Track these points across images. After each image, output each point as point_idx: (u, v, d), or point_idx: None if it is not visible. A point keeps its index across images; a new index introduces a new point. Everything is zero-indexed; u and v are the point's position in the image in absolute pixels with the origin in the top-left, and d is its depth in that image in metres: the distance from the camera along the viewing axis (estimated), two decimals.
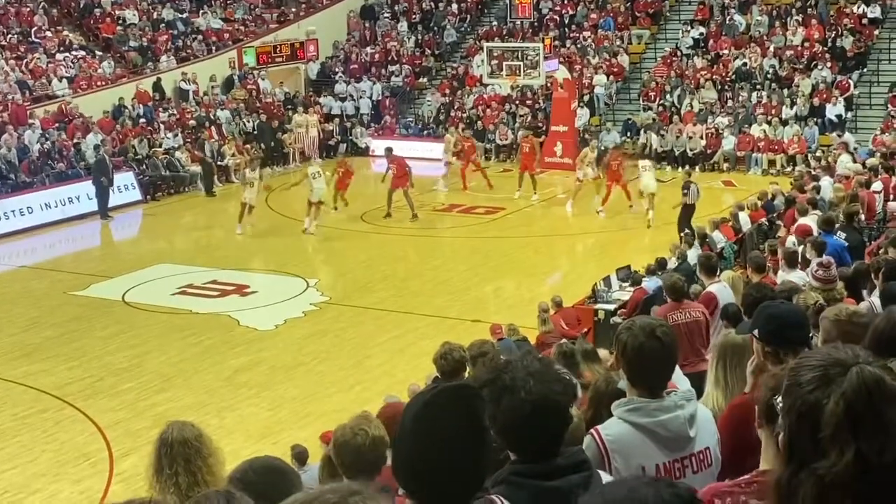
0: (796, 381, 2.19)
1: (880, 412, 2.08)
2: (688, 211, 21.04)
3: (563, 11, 36.35)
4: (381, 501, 1.81)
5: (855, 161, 22.41)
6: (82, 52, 32.44)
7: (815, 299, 6.74)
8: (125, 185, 27.61)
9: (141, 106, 30.98)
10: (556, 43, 34.39)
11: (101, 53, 32.88)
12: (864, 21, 31.69)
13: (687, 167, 28.27)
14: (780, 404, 2.28)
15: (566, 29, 35.76)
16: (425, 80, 36.56)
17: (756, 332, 4.18)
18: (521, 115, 32.69)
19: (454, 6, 38.44)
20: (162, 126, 30.56)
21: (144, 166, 28.62)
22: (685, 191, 21.31)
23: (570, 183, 26.58)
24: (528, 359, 2.94)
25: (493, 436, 2.76)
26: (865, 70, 30.78)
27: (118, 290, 19.80)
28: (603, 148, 28.57)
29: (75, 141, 28.55)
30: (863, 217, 14.37)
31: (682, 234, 18.40)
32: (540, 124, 31.66)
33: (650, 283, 14.69)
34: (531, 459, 2.89)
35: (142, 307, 18.85)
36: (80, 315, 18.52)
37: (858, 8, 31.96)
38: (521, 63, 29.30)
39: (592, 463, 3.14)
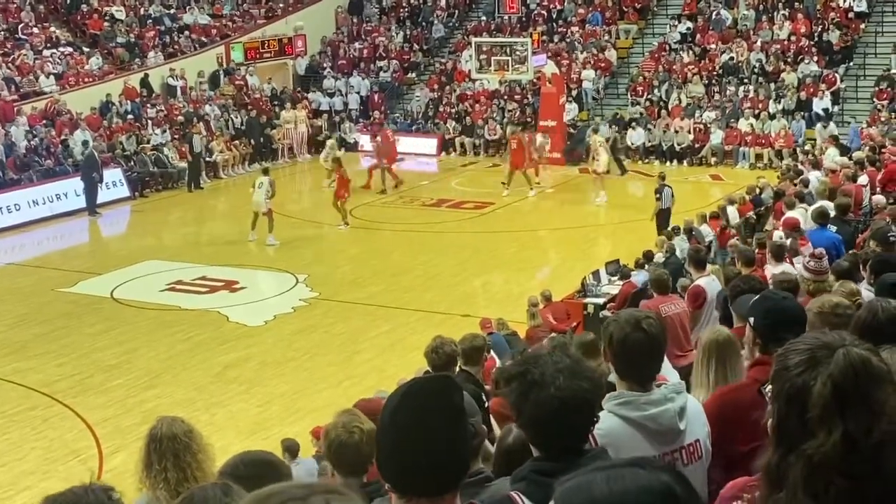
0: (784, 366, 2.22)
1: (867, 392, 2.12)
2: (663, 216, 20.56)
3: (551, 6, 36.37)
4: (354, 501, 1.81)
5: (842, 154, 22.50)
6: (69, 49, 32.33)
7: (831, 286, 6.77)
8: (113, 182, 27.54)
9: (129, 102, 30.90)
10: (544, 38, 34.40)
11: (88, 50, 32.78)
12: (851, 15, 31.78)
13: (669, 165, 28.33)
14: (769, 391, 2.31)
15: (554, 24, 35.78)
16: (414, 75, 36.55)
17: (752, 320, 4.22)
18: (509, 111, 32.71)
19: (442, 1, 38.42)
20: (150, 122, 30.48)
21: (133, 163, 28.56)
22: (658, 195, 20.89)
23: (557, 177, 26.63)
24: (558, 354, 2.91)
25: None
26: (852, 64, 30.88)
27: (107, 286, 19.76)
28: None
29: (63, 137, 28.46)
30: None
31: (661, 235, 18.25)
32: (528, 119, 31.68)
33: (639, 277, 14.72)
34: (554, 456, 2.86)
35: (130, 304, 18.82)
36: (69, 312, 18.48)
37: (845, 2, 32.03)
38: (510, 58, 29.33)
39: None
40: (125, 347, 16.48)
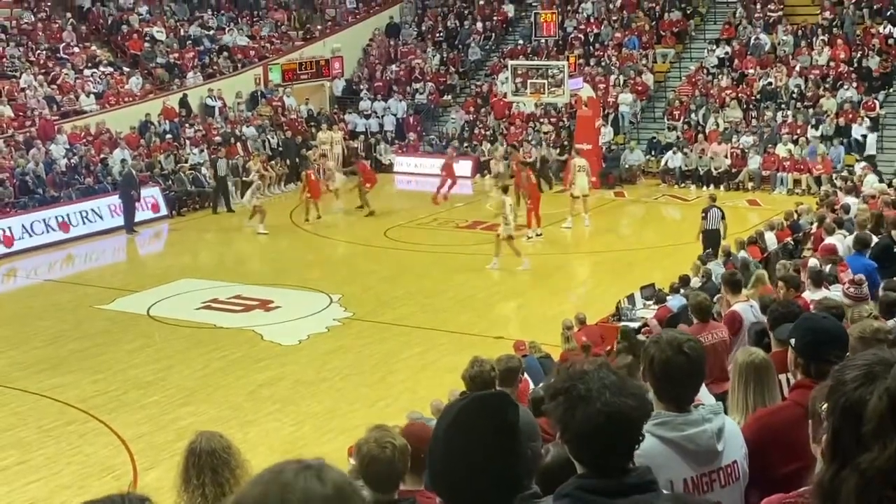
0: (840, 380, 2.21)
1: None
2: (708, 236, 20.37)
3: (588, 30, 36.40)
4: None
5: (881, 181, 22.32)
6: (110, 69, 32.74)
7: (870, 312, 6.73)
8: (151, 200, 27.80)
9: (167, 122, 31.22)
10: (581, 61, 34.41)
11: (128, 69, 33.17)
12: (891, 41, 31.56)
13: (711, 190, 28.17)
14: (824, 407, 2.29)
15: (591, 47, 35.80)
16: (449, 97, 36.67)
17: (793, 341, 4.20)
18: (545, 133, 32.71)
19: (479, 24, 38.57)
20: (188, 142, 30.77)
21: (170, 181, 28.83)
22: (704, 215, 20.85)
23: (592, 200, 26.54)
24: (604, 371, 2.90)
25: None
26: (892, 90, 30.64)
27: (143, 304, 19.91)
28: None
29: (102, 156, 28.78)
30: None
31: (699, 257, 18.21)
32: (564, 143, 31.66)
33: (674, 302, 14.65)
34: (598, 474, 2.85)
35: (166, 321, 18.95)
36: (106, 329, 18.64)
37: (885, 28, 31.85)
38: (546, 81, 29.34)
39: None
40: (160, 365, 16.58)
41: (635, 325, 15.32)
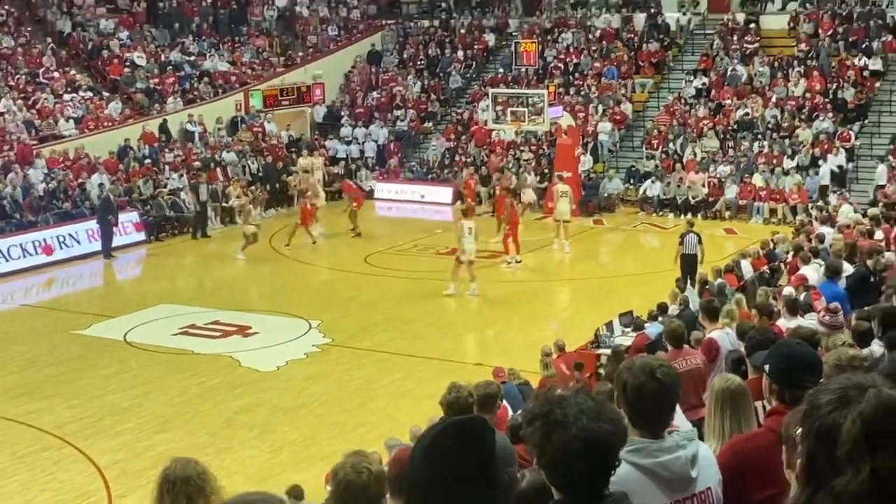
0: (815, 404, 2.24)
1: None
2: (685, 261, 20.72)
3: (568, 60, 36.64)
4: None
5: (856, 211, 22.51)
6: (90, 93, 32.68)
7: (844, 341, 6.78)
8: (129, 225, 27.71)
9: (147, 147, 31.18)
10: (561, 90, 34.60)
11: (108, 94, 33.13)
12: (866, 73, 31.91)
13: (689, 216, 28.34)
14: (799, 432, 2.32)
15: (570, 77, 36.02)
16: (430, 124, 36.79)
17: (767, 367, 4.23)
18: (525, 160, 32.87)
19: (460, 53, 38.78)
20: (167, 167, 30.73)
21: (149, 206, 28.76)
22: (680, 240, 21.13)
23: (572, 228, 26.65)
24: (582, 396, 2.92)
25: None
26: (867, 122, 30.94)
27: (120, 329, 19.82)
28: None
29: (80, 181, 28.70)
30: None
31: (677, 282, 18.45)
32: (545, 170, 31.83)
33: (652, 329, 14.69)
34: (575, 499, 2.86)
35: (143, 347, 18.86)
36: (82, 354, 18.52)
37: (860, 60, 32.20)
38: (526, 109, 29.50)
39: None
40: (137, 391, 16.48)
41: (626, 344, 15.35)
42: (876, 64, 31.96)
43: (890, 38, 32.49)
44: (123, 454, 13.92)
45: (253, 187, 31.46)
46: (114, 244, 26.57)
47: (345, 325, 19.96)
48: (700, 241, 20.93)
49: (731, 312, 11.83)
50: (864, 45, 32.62)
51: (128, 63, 34.32)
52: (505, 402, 10.81)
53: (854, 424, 2.15)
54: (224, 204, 29.88)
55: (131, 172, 29.91)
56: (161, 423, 15.12)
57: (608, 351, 15.36)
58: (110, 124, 31.71)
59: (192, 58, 35.99)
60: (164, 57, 35.41)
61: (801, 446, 2.28)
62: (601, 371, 14.13)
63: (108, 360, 18.11)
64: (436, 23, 40.83)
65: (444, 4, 42.07)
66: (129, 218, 27.71)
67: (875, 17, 33.32)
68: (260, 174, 32.43)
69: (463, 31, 39.83)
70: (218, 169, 31.40)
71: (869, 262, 12.63)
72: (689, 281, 18.87)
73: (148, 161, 30.57)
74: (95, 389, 16.58)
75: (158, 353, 18.51)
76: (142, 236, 27.98)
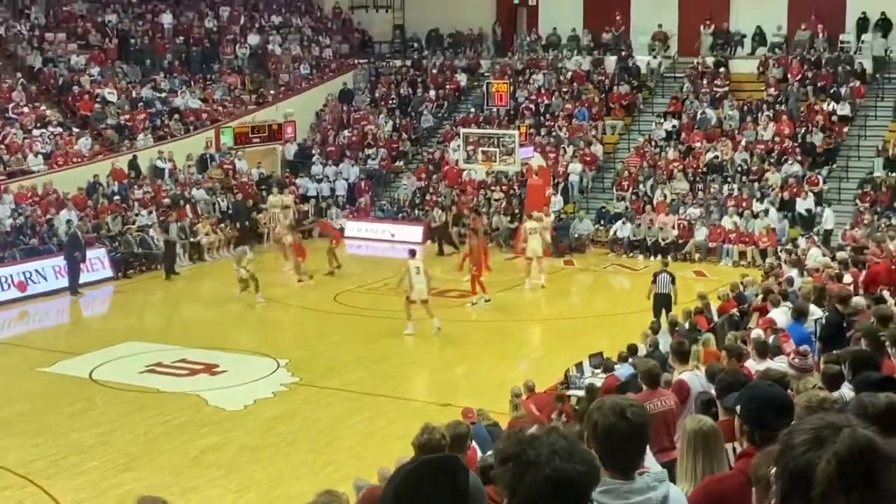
0: (789, 444, 2.22)
1: (871, 472, 2.13)
2: (658, 300, 20.95)
3: (539, 101, 36.88)
4: None
5: (824, 255, 22.68)
6: (59, 129, 32.52)
7: (814, 384, 6.79)
8: (97, 262, 27.49)
9: (116, 183, 31.03)
10: (532, 131, 34.82)
11: (77, 130, 32.97)
12: (834, 118, 32.30)
13: (660, 256, 28.48)
14: (773, 472, 2.30)
15: (541, 118, 36.24)
16: (401, 163, 36.88)
17: (738, 408, 4.22)
18: (496, 200, 32.97)
19: (432, 93, 38.96)
20: (136, 203, 30.58)
21: (117, 243, 28.56)
22: (653, 279, 21.38)
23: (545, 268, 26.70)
24: (554, 436, 2.88)
25: None
26: (835, 166, 31.27)
27: (86, 367, 19.60)
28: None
29: (48, 217, 28.49)
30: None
31: (652, 324, 18.51)
32: (516, 210, 31.95)
33: (622, 371, 14.68)
34: None
35: (109, 385, 18.65)
36: (47, 392, 18.30)
37: (828, 105, 32.60)
38: (497, 149, 29.62)
39: None
40: (102, 429, 16.28)
41: (583, 392, 15.31)
42: (844, 109, 32.36)
43: (858, 83, 32.94)
44: (88, 493, 13.74)
45: (222, 225, 31.37)
46: (81, 281, 26.34)
47: (313, 364, 19.84)
48: (673, 281, 21.19)
49: (696, 353, 11.87)
50: (832, 91, 33.05)
51: (98, 99, 34.21)
52: (474, 442, 10.76)
53: (829, 464, 2.14)
54: (192, 240, 29.74)
55: (100, 209, 29.74)
56: (126, 461, 14.93)
57: (580, 392, 15.34)
58: (79, 160, 31.55)
59: (164, 94, 35.93)
60: (136, 93, 35.31)
61: (775, 486, 2.27)
62: (577, 407, 14.08)
63: (74, 398, 17.89)
64: (408, 62, 41.05)
65: (416, 44, 42.33)
66: (96, 254, 27.50)
67: (843, 62, 33.79)
68: (230, 211, 32.32)
69: (435, 70, 40.06)
70: (187, 206, 31.29)
71: (839, 307, 12.71)
72: (661, 319, 18.99)
73: (117, 197, 30.39)
74: (60, 427, 16.36)
75: (124, 390, 18.31)
76: (109, 273, 27.75)
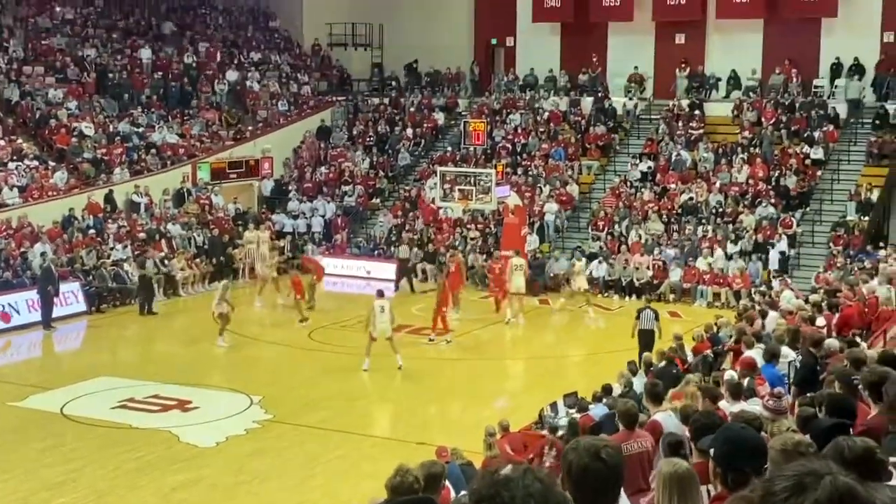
0: (770, 491, 2.23)
1: None
2: (641, 336, 21.30)
3: (516, 140, 37.08)
4: None
5: (797, 297, 22.81)
6: (35, 162, 32.38)
7: (788, 426, 6.80)
8: (71, 296, 27.30)
9: (91, 217, 30.90)
10: (508, 170, 34.98)
11: (54, 164, 32.84)
12: (808, 161, 32.62)
13: (633, 300, 28.66)
14: None
15: (518, 157, 36.42)
16: (378, 200, 36.93)
17: (712, 451, 4.23)
18: (472, 239, 33.04)
19: (409, 131, 39.11)
20: (111, 237, 30.44)
21: (91, 277, 28.38)
22: (637, 316, 21.75)
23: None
24: (529, 477, 2.87)
25: None
26: (808, 209, 31.54)
27: (57, 402, 19.43)
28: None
29: (22, 250, 28.31)
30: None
31: (639, 359, 18.64)
32: (491, 249, 32.02)
33: (597, 410, 14.67)
34: None
35: (80, 420, 18.48)
36: (17, 427, 18.12)
37: (802, 149, 32.93)
38: (474, 188, 29.72)
39: None
40: (72, 465, 16.11)
41: (558, 432, 15.29)
42: (817, 153, 32.70)
43: (831, 127, 33.31)
44: None
45: (198, 260, 31.27)
46: (54, 315, 26.15)
47: (287, 401, 19.74)
48: (657, 318, 21.63)
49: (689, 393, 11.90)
50: (806, 135, 33.40)
51: (75, 133, 34.11)
52: (448, 482, 10.71)
53: None
54: (168, 272, 29.60)
55: (74, 242, 29.59)
56: (96, 498, 14.78)
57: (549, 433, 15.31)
58: (55, 194, 31.41)
59: (141, 129, 35.87)
60: (113, 127, 35.24)
61: None
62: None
63: (44, 433, 17.71)
64: (386, 100, 41.22)
65: (394, 82, 42.52)
66: (70, 288, 27.33)
67: (817, 107, 34.18)
68: (205, 247, 32.22)
69: (413, 109, 40.24)
70: (163, 241, 31.19)
71: (813, 350, 12.80)
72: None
73: (92, 231, 30.26)
74: (30, 463, 16.19)
75: (96, 426, 18.14)
76: (83, 307, 27.56)
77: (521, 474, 2.84)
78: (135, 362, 23.58)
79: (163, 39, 40.31)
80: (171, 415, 18.92)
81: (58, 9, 38.48)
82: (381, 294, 22.73)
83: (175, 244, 31.52)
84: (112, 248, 29.94)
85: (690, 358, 18.35)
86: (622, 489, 3.99)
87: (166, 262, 29.90)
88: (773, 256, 29.66)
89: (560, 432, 14.97)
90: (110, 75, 37.14)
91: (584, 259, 29.65)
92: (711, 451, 4.27)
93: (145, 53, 38.61)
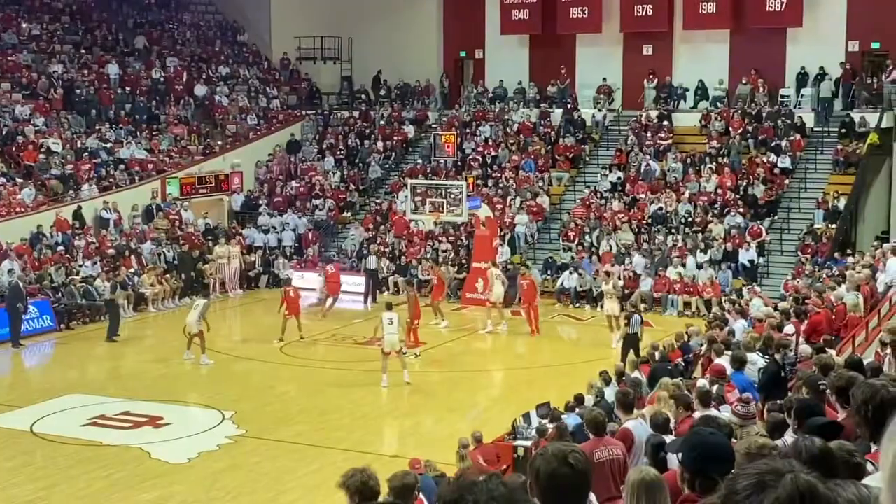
0: (732, 489, 2.25)
1: None
2: (628, 340, 21.92)
3: (486, 152, 37.16)
4: None
5: (766, 305, 22.97)
6: (2, 179, 32.13)
7: (757, 432, 6.84)
8: (39, 313, 27.09)
9: (59, 234, 30.68)
10: (479, 182, 35.05)
11: (21, 180, 32.60)
12: (776, 170, 32.87)
13: (605, 311, 28.70)
14: None
15: (488, 169, 36.50)
16: (349, 214, 36.89)
17: (680, 455, 4.26)
18: (443, 251, 33.05)
19: (380, 144, 39.11)
20: (80, 254, 30.23)
21: (60, 294, 28.17)
22: (626, 321, 22.43)
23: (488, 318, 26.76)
24: (494, 482, 2.88)
25: None
26: (777, 217, 31.77)
27: (26, 420, 19.25)
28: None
29: None
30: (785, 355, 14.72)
31: (623, 362, 18.87)
32: (463, 261, 32.06)
33: (569, 420, 14.70)
34: None
35: (50, 438, 18.32)
36: None
37: (769, 158, 33.18)
38: (444, 200, 29.76)
39: None
40: (42, 484, 15.98)
41: (530, 443, 15.31)
42: (785, 161, 32.96)
43: (798, 136, 33.59)
44: None
45: (168, 275, 31.11)
46: (23, 332, 25.94)
47: (259, 416, 19.66)
48: (643, 322, 22.73)
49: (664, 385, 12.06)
50: (773, 144, 33.66)
51: (43, 149, 33.87)
52: (421, 494, 10.70)
53: None
54: (138, 289, 29.43)
55: (43, 259, 29.37)
56: None
57: (527, 443, 15.35)
58: (23, 210, 31.18)
59: (109, 145, 35.68)
60: (80, 143, 35.04)
61: None
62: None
63: (13, 452, 17.55)
64: (356, 114, 41.21)
65: (364, 96, 42.53)
66: (39, 305, 27.10)
67: (783, 116, 34.46)
68: (175, 262, 32.06)
69: (383, 122, 40.25)
70: (132, 256, 31.00)
71: (777, 357, 12.93)
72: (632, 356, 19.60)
73: (60, 248, 30.04)
74: None
75: (65, 444, 17.99)
76: (52, 324, 27.35)
77: (486, 479, 2.86)
78: (105, 379, 23.43)
79: (131, 55, 40.13)
80: (143, 431, 18.79)
81: (24, 25, 38.25)
82: (389, 307, 22.72)
83: (145, 260, 31.34)
84: (81, 265, 29.73)
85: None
86: (593, 496, 4.01)
87: (136, 278, 29.71)
88: (742, 263, 29.89)
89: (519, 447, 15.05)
90: (77, 91, 36.93)
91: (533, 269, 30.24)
92: (680, 455, 4.30)
93: (113, 69, 38.40)
